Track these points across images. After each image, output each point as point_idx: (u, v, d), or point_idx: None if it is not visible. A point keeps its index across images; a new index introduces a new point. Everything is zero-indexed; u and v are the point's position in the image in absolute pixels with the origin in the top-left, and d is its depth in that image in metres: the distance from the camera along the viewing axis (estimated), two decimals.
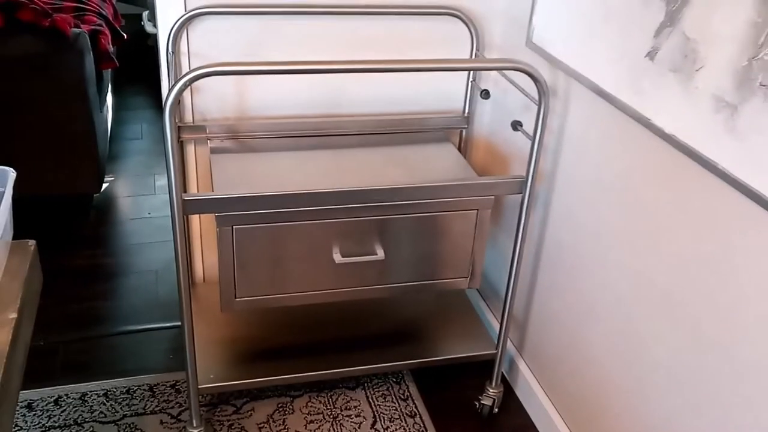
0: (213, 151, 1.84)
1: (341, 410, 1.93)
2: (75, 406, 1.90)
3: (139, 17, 3.87)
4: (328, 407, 1.94)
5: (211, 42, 1.82)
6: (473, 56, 1.94)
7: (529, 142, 1.61)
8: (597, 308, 1.60)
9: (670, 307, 1.36)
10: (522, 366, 1.97)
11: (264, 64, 1.50)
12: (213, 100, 1.89)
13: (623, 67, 1.42)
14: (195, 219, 2.05)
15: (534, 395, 1.89)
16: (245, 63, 1.42)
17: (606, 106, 1.50)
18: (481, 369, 1.99)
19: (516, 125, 1.76)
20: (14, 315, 1.08)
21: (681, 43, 1.25)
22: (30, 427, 1.83)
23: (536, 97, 1.56)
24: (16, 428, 1.81)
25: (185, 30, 1.79)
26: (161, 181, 2.99)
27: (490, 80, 2.00)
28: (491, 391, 1.90)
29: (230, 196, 1.53)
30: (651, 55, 1.33)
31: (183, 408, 1.90)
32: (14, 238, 1.30)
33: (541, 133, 1.59)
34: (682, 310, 1.32)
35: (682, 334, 1.33)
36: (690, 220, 1.29)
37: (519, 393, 1.99)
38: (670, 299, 1.35)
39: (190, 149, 1.95)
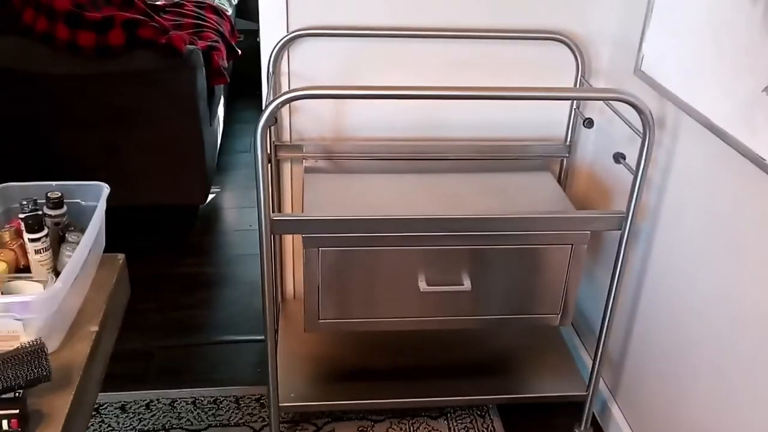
0: (307, 170, 1.85)
1: None
2: (165, 412, 1.95)
3: (256, 33, 3.99)
4: None
5: (311, 63, 1.83)
6: (578, 82, 1.86)
7: (632, 176, 1.52)
8: (700, 361, 1.48)
9: None
10: (615, 410, 1.86)
11: (356, 88, 1.49)
12: (310, 120, 1.91)
13: (737, 101, 1.31)
14: (288, 237, 2.07)
15: None
16: (336, 87, 1.42)
17: (716, 142, 1.39)
18: (571, 409, 1.89)
19: (618, 158, 1.67)
20: (95, 328, 1.12)
21: None
22: (122, 428, 1.89)
23: (641, 129, 1.47)
24: (109, 429, 1.88)
25: (286, 51, 1.82)
26: None
27: (595, 109, 1.91)
28: None
29: (317, 218, 1.53)
30: None
31: (265, 423, 1.92)
32: (119, 246, 1.34)
33: (644, 167, 1.49)
34: None
35: None
36: None
37: None
38: None
39: (286, 168, 1.97)
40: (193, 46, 2.47)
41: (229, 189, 3.12)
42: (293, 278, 2.14)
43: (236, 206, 2.99)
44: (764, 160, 1.24)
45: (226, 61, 2.86)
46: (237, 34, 3.41)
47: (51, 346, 1.03)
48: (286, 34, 1.78)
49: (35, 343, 0.97)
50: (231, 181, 3.18)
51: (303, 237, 1.56)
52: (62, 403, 0.97)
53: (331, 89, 1.38)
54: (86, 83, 2.36)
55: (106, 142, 2.45)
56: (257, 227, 1.47)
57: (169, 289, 2.43)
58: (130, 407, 1.96)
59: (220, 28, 3.08)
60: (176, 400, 1.99)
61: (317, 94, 1.38)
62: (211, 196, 3.00)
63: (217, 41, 2.88)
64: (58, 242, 1.25)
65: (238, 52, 3.13)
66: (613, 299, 1.64)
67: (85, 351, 1.06)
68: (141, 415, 1.94)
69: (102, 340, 1.13)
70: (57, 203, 1.26)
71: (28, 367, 0.95)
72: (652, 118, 1.44)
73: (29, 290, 1.09)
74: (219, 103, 3.04)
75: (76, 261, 1.07)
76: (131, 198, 2.47)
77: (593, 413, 1.91)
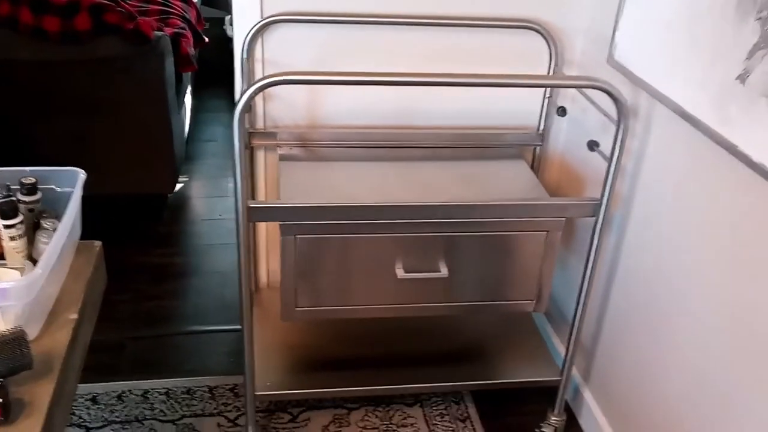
0: (282, 158, 1.84)
1: (397, 426, 1.90)
2: (137, 403, 1.93)
3: (222, 21, 3.94)
4: (384, 422, 1.91)
5: (286, 49, 1.82)
6: (551, 72, 1.88)
7: (606, 164, 1.54)
8: (672, 345, 1.52)
9: (760, 348, 1.27)
10: (587, 396, 1.89)
11: (333, 74, 1.48)
12: (285, 108, 1.89)
13: (710, 89, 1.34)
14: (262, 224, 2.06)
15: (599, 427, 1.81)
16: (315, 72, 1.41)
17: (689, 130, 1.42)
18: (544, 395, 1.91)
19: (592, 145, 1.70)
20: (75, 316, 1.09)
21: None
22: (93, 420, 1.86)
23: (615, 117, 1.49)
24: (80, 420, 1.85)
25: (260, 37, 1.80)
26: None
27: (567, 97, 1.93)
28: (553, 419, 1.84)
29: (295, 206, 1.52)
30: (742, 78, 1.25)
31: (240, 413, 1.91)
32: (88, 235, 1.32)
33: (618, 154, 1.52)
34: None
35: None
36: None
37: (583, 423, 1.91)
38: (761, 339, 1.27)
39: (260, 155, 1.95)
40: (161, 33, 2.43)
41: (197, 178, 3.08)
42: (267, 267, 2.12)
43: (205, 195, 2.96)
44: (737, 147, 1.27)
45: (193, 49, 2.82)
46: (203, 21, 3.36)
47: (30, 335, 1.01)
48: (260, 19, 1.77)
49: (15, 330, 0.95)
50: (199, 171, 3.14)
51: (280, 225, 1.55)
52: (44, 392, 0.95)
53: (311, 74, 1.37)
54: (52, 70, 2.31)
55: (72, 129, 2.40)
56: (234, 215, 1.46)
57: (139, 280, 2.40)
58: (102, 399, 1.93)
59: (187, 15, 3.03)
60: (149, 391, 1.96)
61: (297, 79, 1.37)
62: (179, 186, 2.96)
63: (183, 28, 2.84)
64: (32, 229, 1.23)
65: (205, 39, 3.09)
66: (587, 285, 1.66)
67: (64, 339, 1.04)
68: (113, 407, 1.91)
69: (81, 328, 1.11)
70: (31, 189, 1.23)
71: (9, 355, 0.93)
72: (627, 106, 1.46)
73: (6, 277, 1.06)
74: (186, 92, 3.00)
75: (54, 247, 1.05)
76: (98, 187, 2.40)
77: (566, 400, 1.94)
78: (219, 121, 3.62)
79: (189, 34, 2.82)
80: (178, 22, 2.86)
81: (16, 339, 0.94)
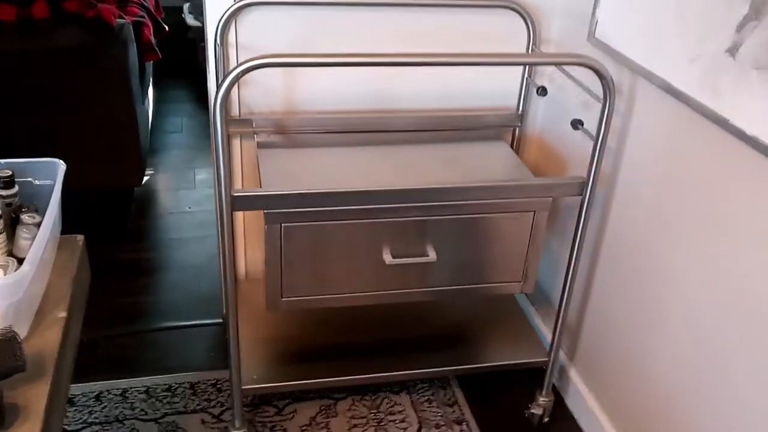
0: (260, 146, 1.79)
1: (385, 414, 1.87)
2: (116, 403, 1.87)
3: (180, 9, 3.85)
4: (372, 411, 1.88)
5: (260, 35, 1.77)
6: (530, 51, 1.86)
7: (588, 142, 1.54)
8: (662, 318, 1.53)
9: (749, 319, 1.28)
10: (573, 375, 1.90)
11: (318, 56, 1.44)
12: (260, 94, 1.84)
13: (699, 64, 1.34)
14: (239, 214, 2.01)
15: (586, 405, 1.82)
16: (299, 55, 1.37)
17: (677, 105, 1.42)
18: (530, 377, 1.92)
19: (577, 124, 1.69)
20: (64, 314, 1.04)
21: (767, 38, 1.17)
22: (71, 422, 1.80)
23: (599, 95, 1.49)
24: None
25: (234, 22, 1.75)
26: (201, 176, 2.96)
27: (545, 77, 1.92)
28: (541, 399, 1.84)
29: (280, 193, 1.48)
30: (731, 51, 1.25)
31: (224, 408, 1.86)
32: (61, 232, 1.26)
33: (604, 132, 1.51)
34: (762, 323, 1.24)
35: (764, 348, 1.25)
36: None
37: (570, 403, 1.92)
38: (749, 311, 1.27)
39: (235, 144, 1.90)
40: (123, 20, 2.35)
41: (163, 171, 3.00)
42: (245, 259, 2.08)
43: (172, 188, 2.88)
44: (729, 121, 1.27)
45: (154, 38, 2.74)
46: (161, 9, 3.27)
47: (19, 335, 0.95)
48: (233, 3, 1.71)
49: (6, 330, 0.89)
50: (164, 163, 3.06)
51: (264, 213, 1.51)
52: (39, 395, 0.90)
53: (295, 57, 1.33)
54: (9, 61, 2.21)
55: (33, 123, 2.30)
56: (213, 205, 1.41)
57: (111, 277, 2.32)
58: (79, 400, 1.86)
59: (145, 3, 2.94)
60: (128, 390, 1.90)
61: (282, 62, 1.32)
62: (145, 179, 2.88)
63: (143, 16, 2.75)
64: (10, 224, 1.16)
65: (165, 28, 3.01)
66: (574, 264, 1.66)
67: (55, 338, 0.99)
68: (91, 408, 1.84)
69: (71, 325, 1.06)
70: (8, 182, 1.17)
71: (1, 357, 0.87)
72: (613, 82, 1.45)
73: None
74: (149, 82, 2.92)
75: (40, 241, 1.00)
76: (65, 183, 2.33)
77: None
78: (181, 111, 3.54)
79: (149, 22, 2.74)
80: (137, 10, 2.78)
81: (8, 340, 0.89)
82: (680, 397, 1.47)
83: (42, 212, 1.12)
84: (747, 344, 1.28)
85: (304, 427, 1.82)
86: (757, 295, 1.25)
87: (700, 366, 1.41)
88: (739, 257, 1.29)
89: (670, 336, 1.50)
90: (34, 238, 1.04)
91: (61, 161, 1.17)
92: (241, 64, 1.30)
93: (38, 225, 1.10)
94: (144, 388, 1.91)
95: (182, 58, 3.85)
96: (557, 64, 1.80)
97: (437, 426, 1.85)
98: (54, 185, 1.14)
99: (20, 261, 1.05)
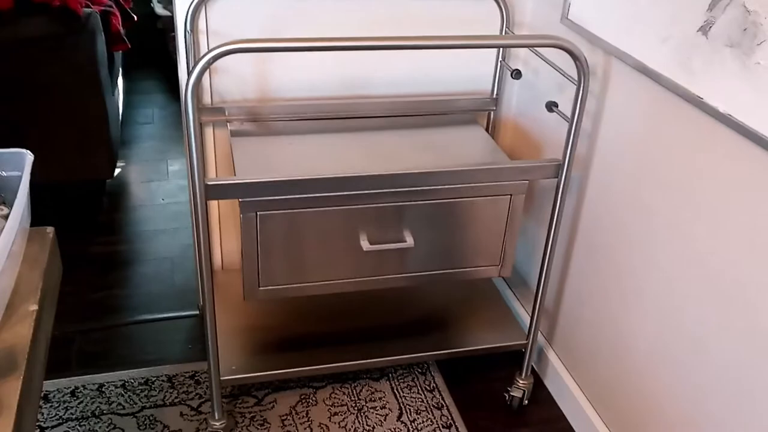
0: (233, 134, 1.77)
1: (366, 402, 1.87)
2: (92, 398, 1.84)
3: None
4: (352, 399, 1.88)
5: (231, 21, 1.74)
6: (503, 35, 1.86)
7: (563, 124, 1.54)
8: (638, 298, 1.53)
9: (723, 297, 1.29)
10: (552, 357, 1.91)
11: (290, 40, 1.42)
12: (232, 82, 1.82)
13: (672, 43, 1.34)
14: (213, 204, 1.98)
15: (565, 386, 1.83)
16: (272, 39, 1.35)
17: (651, 85, 1.42)
18: (509, 360, 1.92)
19: (551, 106, 1.69)
20: (35, 307, 1.02)
21: (740, 16, 1.17)
22: (47, 419, 1.77)
23: (574, 77, 1.49)
24: None
25: (204, 8, 1.72)
26: (174, 167, 2.93)
27: (519, 60, 1.92)
28: (521, 382, 1.84)
29: (256, 181, 1.46)
30: (704, 29, 1.25)
31: (203, 399, 1.84)
32: (30, 225, 1.23)
33: (579, 114, 1.51)
34: (737, 300, 1.25)
35: (736, 324, 1.26)
36: (748, 205, 1.21)
37: (549, 384, 1.93)
38: (724, 288, 1.28)
39: (208, 133, 1.87)
40: (91, 9, 2.30)
41: (134, 162, 2.96)
42: (220, 250, 2.05)
43: (144, 180, 2.84)
44: (702, 99, 1.28)
45: (122, 27, 2.69)
46: None
47: None
48: None
49: None
50: (135, 155, 3.02)
51: (240, 202, 1.49)
52: (11, 390, 0.88)
53: (267, 42, 1.31)
54: None
55: (1, 115, 2.25)
56: (188, 195, 1.39)
57: (84, 270, 2.29)
58: (54, 396, 1.83)
59: None
60: (104, 385, 1.88)
61: (255, 47, 1.30)
62: (116, 171, 2.84)
63: (111, 6, 2.70)
64: None
65: (134, 17, 2.95)
66: (551, 247, 1.66)
67: (26, 333, 0.96)
68: (67, 404, 1.82)
69: (42, 319, 1.03)
70: None
71: None
72: (588, 64, 1.45)
73: None
74: (119, 72, 2.87)
75: (9, 233, 0.97)
76: (33, 175, 2.28)
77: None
78: (152, 102, 3.49)
79: (117, 11, 2.69)
80: None
81: None
82: (655, 376, 1.48)
83: (10, 204, 1.09)
84: (721, 323, 1.29)
85: (285, 417, 1.81)
86: (732, 274, 1.26)
87: (675, 345, 1.42)
88: (714, 237, 1.30)
89: (646, 316, 1.51)
90: (1, 229, 1.01)
91: (28, 151, 1.14)
92: (213, 49, 1.28)
93: (6, 217, 1.08)
94: (121, 383, 1.89)
95: (152, 49, 3.79)
96: (531, 47, 1.80)
97: (417, 411, 1.85)
98: (21, 176, 1.11)
99: None
